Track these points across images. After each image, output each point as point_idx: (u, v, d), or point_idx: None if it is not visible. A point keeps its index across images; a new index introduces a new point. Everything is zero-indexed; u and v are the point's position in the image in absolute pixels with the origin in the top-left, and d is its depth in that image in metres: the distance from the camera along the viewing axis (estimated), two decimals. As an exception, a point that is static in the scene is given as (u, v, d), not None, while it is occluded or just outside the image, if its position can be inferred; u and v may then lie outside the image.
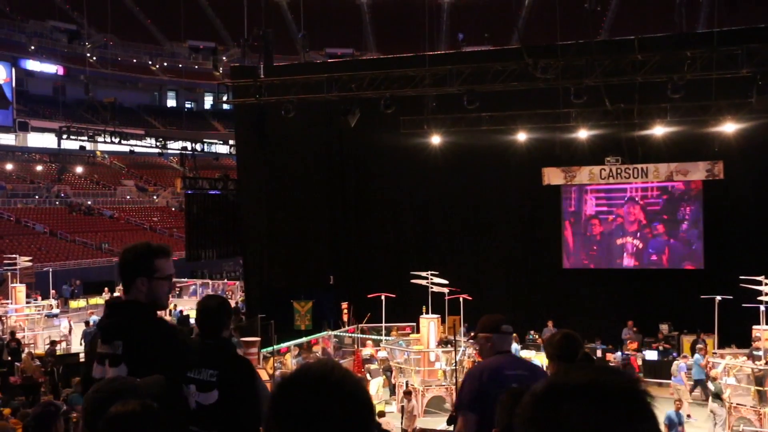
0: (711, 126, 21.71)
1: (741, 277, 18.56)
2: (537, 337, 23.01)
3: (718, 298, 19.61)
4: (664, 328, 22.68)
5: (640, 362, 21.52)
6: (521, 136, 23.84)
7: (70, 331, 28.10)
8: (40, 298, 33.09)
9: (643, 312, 23.21)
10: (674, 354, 21.57)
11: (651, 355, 21.80)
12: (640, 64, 19.18)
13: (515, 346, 20.67)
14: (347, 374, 1.52)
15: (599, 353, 22.13)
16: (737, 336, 20.49)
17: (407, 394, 17.61)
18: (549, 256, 25.22)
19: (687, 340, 21.99)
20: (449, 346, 20.02)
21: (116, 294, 29.99)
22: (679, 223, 24.06)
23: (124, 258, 3.59)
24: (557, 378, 1.33)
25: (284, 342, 21.73)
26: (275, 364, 19.76)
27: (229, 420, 3.80)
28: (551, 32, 22.85)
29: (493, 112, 22.98)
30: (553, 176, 24.51)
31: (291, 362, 20.57)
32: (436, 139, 24.44)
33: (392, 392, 20.16)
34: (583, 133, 23.18)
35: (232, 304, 34.12)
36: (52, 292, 34.17)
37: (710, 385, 17.57)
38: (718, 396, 17.02)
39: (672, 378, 19.29)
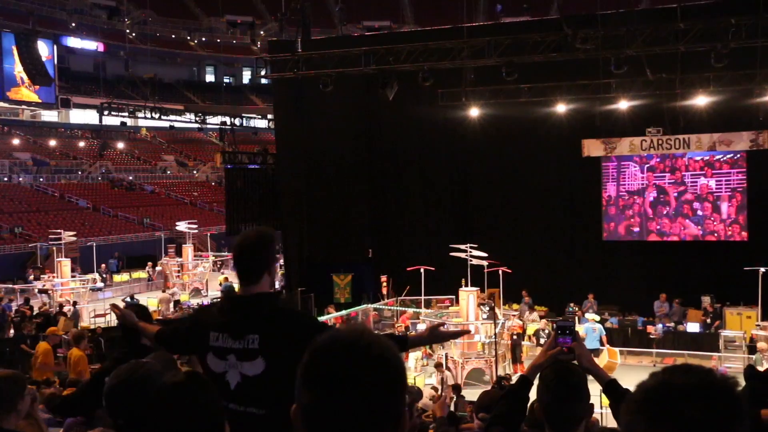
0: (756, 95, 21.30)
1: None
2: (576, 309, 22.91)
3: (762, 269, 19.37)
4: (706, 300, 22.42)
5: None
6: (560, 108, 23.59)
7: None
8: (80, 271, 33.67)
9: (685, 284, 22.95)
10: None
11: (693, 327, 21.61)
12: (683, 32, 18.82)
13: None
14: (377, 338, 1.54)
15: (639, 326, 22.04)
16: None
17: (438, 366, 17.80)
18: (589, 228, 25.03)
19: (730, 313, 21.74)
20: (488, 308, 20.03)
21: (228, 284, 30.13)
22: (721, 194, 23.71)
23: (256, 251, 3.38)
24: (667, 377, 1.45)
25: (324, 315, 21.91)
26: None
27: (278, 394, 3.02)
28: (591, 2, 22.45)
29: (531, 84, 22.79)
30: (592, 148, 24.25)
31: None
32: (474, 112, 24.29)
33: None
34: (623, 104, 22.87)
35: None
36: (103, 266, 34.72)
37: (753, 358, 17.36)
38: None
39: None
